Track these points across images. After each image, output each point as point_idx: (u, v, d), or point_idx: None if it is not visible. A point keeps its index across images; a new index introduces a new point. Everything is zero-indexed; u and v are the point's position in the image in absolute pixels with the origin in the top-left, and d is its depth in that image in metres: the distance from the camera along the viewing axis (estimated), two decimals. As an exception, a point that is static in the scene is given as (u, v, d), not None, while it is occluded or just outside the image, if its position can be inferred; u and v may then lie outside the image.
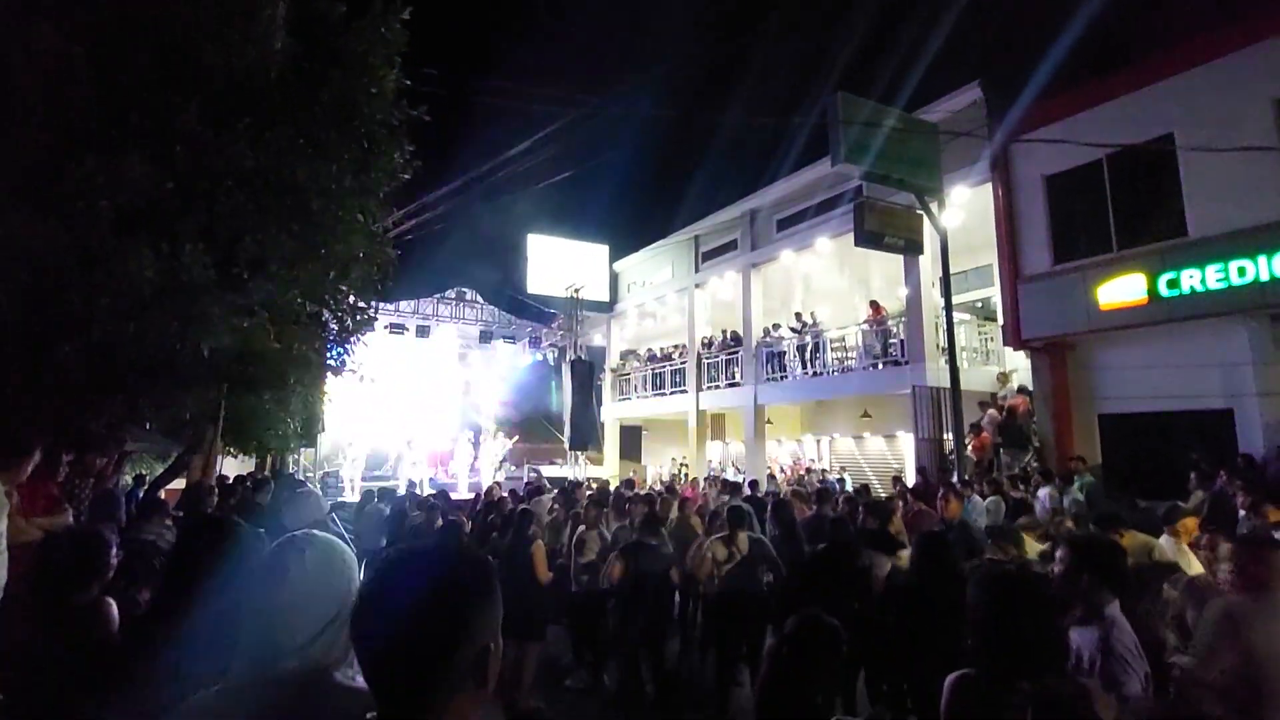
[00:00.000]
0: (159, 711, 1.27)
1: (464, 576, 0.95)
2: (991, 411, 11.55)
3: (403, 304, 21.75)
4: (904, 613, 3.02)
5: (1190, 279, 8.74)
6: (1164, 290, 8.98)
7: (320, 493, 4.81)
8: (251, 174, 4.78)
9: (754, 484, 10.82)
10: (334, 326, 6.75)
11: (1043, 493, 8.46)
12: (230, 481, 10.01)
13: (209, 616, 1.63)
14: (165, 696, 1.32)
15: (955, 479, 9.50)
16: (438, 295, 23.12)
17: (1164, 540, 4.56)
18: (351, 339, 7.28)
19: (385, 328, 20.09)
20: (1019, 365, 12.21)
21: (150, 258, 4.28)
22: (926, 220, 11.24)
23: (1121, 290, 9.42)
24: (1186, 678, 2.57)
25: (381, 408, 20.55)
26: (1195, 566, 4.14)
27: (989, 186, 11.30)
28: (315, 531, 1.43)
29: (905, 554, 4.42)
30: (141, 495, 10.36)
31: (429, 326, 22.02)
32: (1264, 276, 8.13)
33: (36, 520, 3.80)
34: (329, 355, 7.69)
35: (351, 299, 6.87)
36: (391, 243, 6.90)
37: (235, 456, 12.61)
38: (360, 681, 1.25)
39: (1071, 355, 10.55)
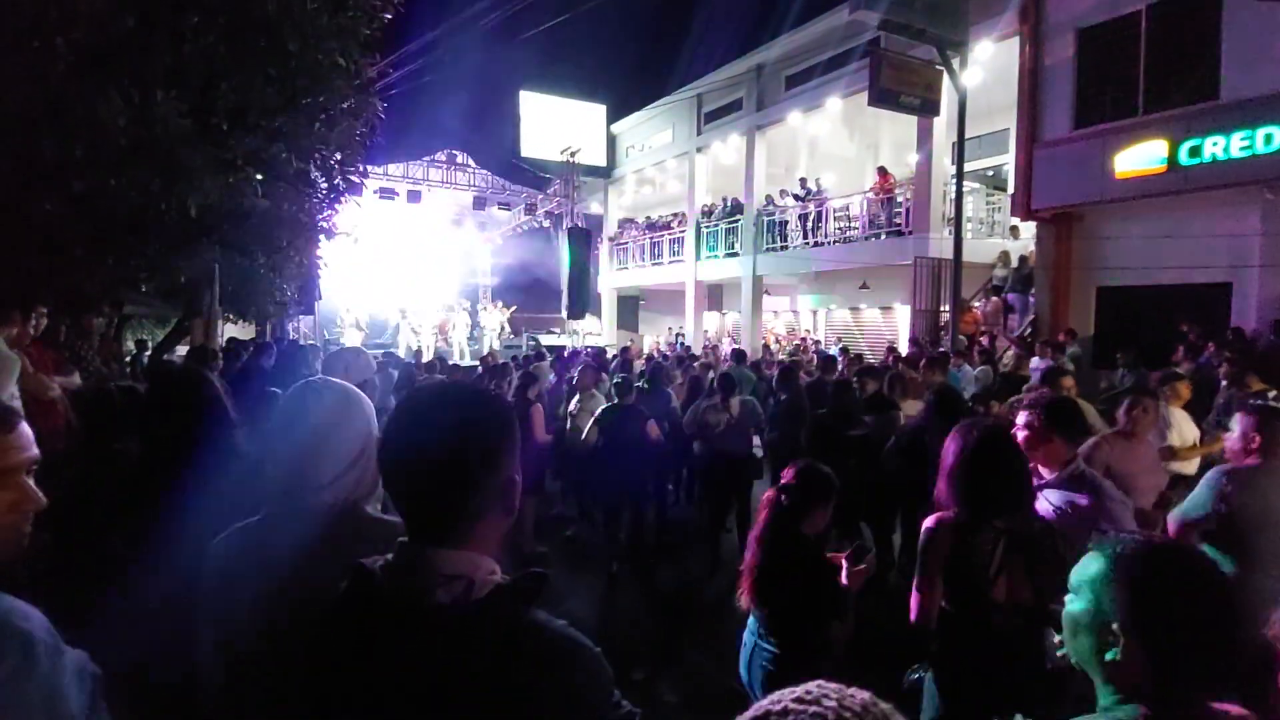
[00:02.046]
0: (194, 543, 1.34)
1: (493, 408, 0.98)
2: (994, 299, 11.54)
3: (392, 168, 20.88)
4: (908, 460, 3.19)
5: (1214, 146, 8.39)
6: (1184, 158, 8.65)
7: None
8: (217, 7, 4.35)
9: (741, 354, 10.92)
10: (323, 185, 6.47)
11: (1036, 362, 8.61)
12: (233, 346, 10.12)
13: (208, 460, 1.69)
14: (194, 531, 1.38)
15: (949, 349, 9.66)
16: (428, 158, 22.14)
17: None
18: (341, 199, 7.01)
19: (375, 192, 19.40)
20: (1013, 248, 12.07)
21: (120, 104, 4.01)
22: (945, 79, 10.56)
23: (1140, 157, 9.08)
24: (1177, 526, 2.75)
25: (378, 275, 20.38)
26: (1187, 430, 4.28)
27: (1015, 41, 10.52)
28: (329, 378, 1.45)
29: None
30: (146, 360, 10.52)
31: (420, 192, 21.28)
32: (1290, 144, 7.81)
33: (58, 379, 3.88)
34: (319, 217, 7.45)
35: (338, 157, 6.54)
36: (377, 94, 6.46)
37: (235, 323, 12.67)
38: (387, 515, 1.33)
39: (1079, 226, 10.36)
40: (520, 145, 19.28)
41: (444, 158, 22.09)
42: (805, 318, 19.58)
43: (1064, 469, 2.48)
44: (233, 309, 10.51)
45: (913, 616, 2.09)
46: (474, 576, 0.88)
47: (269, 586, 1.18)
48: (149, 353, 11.11)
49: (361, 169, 6.79)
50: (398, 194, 20.48)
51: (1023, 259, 11.54)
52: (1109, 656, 1.00)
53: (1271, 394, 5.24)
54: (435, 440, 0.91)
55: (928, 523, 2.07)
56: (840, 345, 15.45)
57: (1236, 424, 2.77)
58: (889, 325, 16.31)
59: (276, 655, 1.03)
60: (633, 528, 5.18)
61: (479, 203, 22.56)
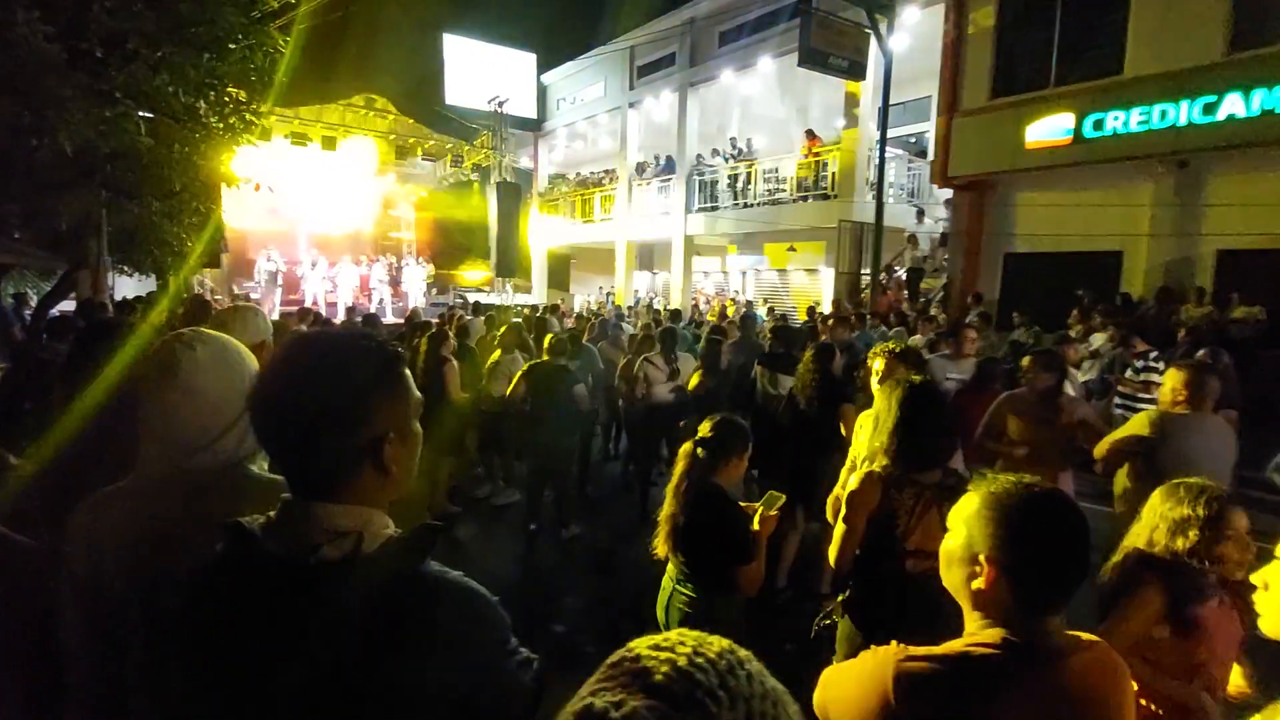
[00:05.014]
0: (64, 507, 1.23)
1: (367, 357, 0.90)
2: (897, 276, 12.00)
3: (305, 111, 19.50)
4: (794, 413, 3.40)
5: (1115, 120, 8.89)
6: (1088, 131, 9.13)
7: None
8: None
9: (676, 314, 11.01)
10: (218, 125, 5.92)
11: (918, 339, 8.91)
12: (126, 301, 9.39)
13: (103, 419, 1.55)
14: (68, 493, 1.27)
15: (867, 310, 10.02)
16: (344, 102, 20.79)
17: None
18: (240, 141, 6.44)
19: (286, 137, 18.12)
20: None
21: (-29, 23, 3.53)
22: (873, 42, 10.68)
23: (1049, 129, 9.52)
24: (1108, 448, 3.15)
25: (291, 226, 19.19)
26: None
27: (941, 8, 10.72)
28: (204, 330, 1.33)
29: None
30: (30, 315, 9.61)
31: (335, 138, 20.02)
32: (1181, 120, 8.36)
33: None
34: (217, 161, 6.82)
35: (239, 95, 5.99)
36: (275, 27, 5.90)
37: (130, 275, 11.71)
38: (274, 475, 1.25)
39: (992, 194, 10.84)
40: (445, 92, 18.36)
41: (361, 102, 20.81)
42: (735, 278, 19.83)
43: None
44: (127, 260, 9.71)
45: (833, 561, 2.20)
46: (364, 531, 0.85)
47: (138, 554, 1.10)
48: (31, 308, 10.18)
49: (259, 109, 6.20)
50: (311, 140, 19.22)
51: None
52: (974, 585, 1.09)
53: (1153, 354, 5.76)
54: (302, 390, 0.85)
55: (863, 476, 2.16)
56: (767, 305, 15.80)
57: (1169, 378, 3.15)
58: (815, 287, 16.74)
59: (151, 624, 0.97)
60: (559, 486, 5.18)
61: (401, 152, 21.48)
